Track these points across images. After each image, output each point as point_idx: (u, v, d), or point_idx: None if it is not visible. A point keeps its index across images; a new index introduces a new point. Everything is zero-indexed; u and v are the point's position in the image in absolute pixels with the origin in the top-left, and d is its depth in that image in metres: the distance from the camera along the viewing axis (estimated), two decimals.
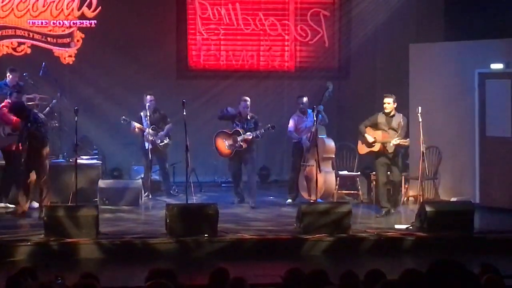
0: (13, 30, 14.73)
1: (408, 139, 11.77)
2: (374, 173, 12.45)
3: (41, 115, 11.78)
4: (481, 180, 12.86)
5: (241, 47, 15.56)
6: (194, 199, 11.76)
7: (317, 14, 15.61)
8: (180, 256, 9.85)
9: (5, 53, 14.70)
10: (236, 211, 12.28)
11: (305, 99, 13.07)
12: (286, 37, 15.64)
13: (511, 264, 8.86)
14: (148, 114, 13.39)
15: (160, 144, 13.44)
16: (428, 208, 10.54)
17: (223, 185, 14.82)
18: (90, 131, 14.29)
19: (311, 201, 11.97)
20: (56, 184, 12.36)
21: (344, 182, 13.53)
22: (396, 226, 10.99)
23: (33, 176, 11.52)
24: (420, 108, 11.49)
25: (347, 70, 15.78)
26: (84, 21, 14.85)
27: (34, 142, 11.43)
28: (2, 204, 12.17)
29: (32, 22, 14.77)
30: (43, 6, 14.77)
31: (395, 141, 11.62)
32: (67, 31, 14.85)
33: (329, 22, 15.66)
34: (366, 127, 11.92)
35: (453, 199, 12.70)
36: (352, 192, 13.41)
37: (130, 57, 14.68)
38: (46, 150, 11.63)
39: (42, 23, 14.80)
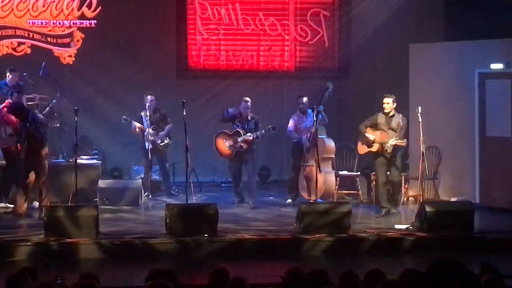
0: (13, 30, 14.73)
1: (405, 139, 11.74)
2: (374, 173, 12.44)
3: (40, 116, 11.78)
4: (481, 180, 12.86)
5: (241, 47, 15.55)
6: (194, 199, 11.76)
7: (317, 14, 15.61)
8: (180, 256, 9.85)
9: (5, 53, 14.70)
10: (236, 211, 12.28)
11: (305, 99, 13.07)
12: (286, 37, 15.64)
13: (511, 264, 8.86)
14: (148, 114, 13.40)
15: (161, 144, 13.45)
16: (428, 208, 10.54)
17: (223, 185, 14.82)
18: (90, 131, 14.29)
19: (311, 201, 11.96)
20: (56, 184, 12.37)
21: (344, 182, 13.53)
22: (396, 226, 10.99)
23: (32, 176, 11.52)
24: (420, 108, 11.49)
25: (347, 70, 15.78)
26: (84, 21, 14.84)
27: (33, 142, 11.42)
28: (2, 204, 12.18)
29: (32, 22, 14.77)
30: (43, 6, 14.77)
31: (392, 141, 11.61)
32: (67, 31, 14.85)
33: (329, 22, 15.65)
34: (366, 127, 11.92)
35: (453, 199, 12.70)
36: (352, 192, 13.41)
37: (130, 57, 14.68)
38: (45, 150, 11.62)
39: (42, 23, 14.80)
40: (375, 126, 11.91)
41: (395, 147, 11.73)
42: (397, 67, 14.42)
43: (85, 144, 13.62)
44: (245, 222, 11.34)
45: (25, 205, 11.58)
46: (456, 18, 14.24)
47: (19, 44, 14.75)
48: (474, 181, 12.94)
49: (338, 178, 13.00)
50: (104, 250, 9.87)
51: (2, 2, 14.65)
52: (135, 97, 14.03)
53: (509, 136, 12.48)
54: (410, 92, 13.43)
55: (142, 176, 13.59)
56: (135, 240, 10.07)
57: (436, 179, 13.12)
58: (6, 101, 12.16)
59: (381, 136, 11.80)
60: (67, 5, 14.80)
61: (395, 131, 11.77)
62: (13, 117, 11.80)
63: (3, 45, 14.70)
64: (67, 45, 14.85)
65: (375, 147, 11.87)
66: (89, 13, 14.83)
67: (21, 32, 14.73)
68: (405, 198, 12.96)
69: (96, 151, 13.87)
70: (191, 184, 11.54)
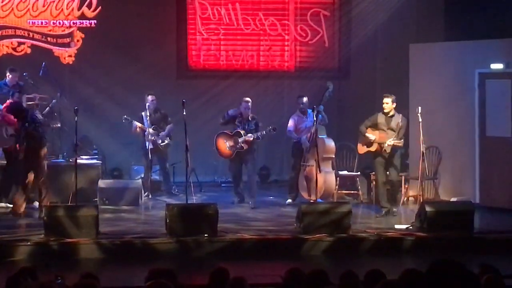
0: (13, 30, 14.73)
1: (402, 140, 11.71)
2: (374, 173, 12.44)
3: (39, 116, 11.77)
4: (481, 180, 12.86)
5: (241, 47, 15.55)
6: (194, 199, 11.76)
7: (317, 14, 15.61)
8: (180, 256, 9.85)
9: (5, 53, 14.70)
10: (236, 211, 12.28)
11: (305, 99, 13.07)
12: (286, 37, 15.64)
13: (511, 264, 8.86)
14: (149, 114, 13.40)
15: (161, 144, 13.45)
16: (428, 208, 10.54)
17: (223, 185, 14.82)
18: (90, 131, 14.29)
19: (311, 201, 11.96)
20: (56, 184, 12.37)
21: (344, 182, 13.53)
22: (396, 226, 10.99)
23: (31, 176, 11.51)
24: (420, 108, 11.49)
25: (347, 70, 15.78)
26: (84, 21, 14.84)
27: (31, 142, 11.41)
28: (2, 204, 12.18)
29: (32, 22, 14.77)
30: (43, 6, 14.76)
31: (390, 141, 11.60)
32: (67, 31, 14.85)
33: (329, 22, 15.65)
34: (367, 128, 11.91)
35: (453, 199, 12.70)
36: (352, 192, 13.41)
37: (130, 57, 14.67)
38: (44, 150, 11.61)
39: (42, 23, 14.80)
40: (375, 126, 11.91)
41: (393, 147, 11.72)
42: (397, 67, 14.42)
43: (85, 144, 13.62)
44: (245, 222, 11.34)
45: (24, 205, 11.57)
46: (456, 18, 14.24)
47: (19, 44, 14.75)
48: (474, 181, 12.94)
49: (338, 178, 13.00)
50: (104, 250, 9.87)
51: (2, 2, 14.65)
52: (135, 97, 14.04)
53: (509, 136, 12.48)
54: (410, 92, 13.43)
55: (142, 176, 13.59)
56: (135, 240, 10.08)
57: (436, 179, 13.12)
58: (8, 101, 12.15)
59: (380, 136, 11.80)
60: (67, 5, 14.80)
61: (394, 131, 11.76)
62: (13, 117, 11.80)
63: (3, 45, 14.70)
64: (67, 45, 14.85)
65: (374, 147, 11.87)
66: (89, 13, 14.83)
67: (21, 32, 14.73)
68: (405, 198, 12.97)
69: (96, 151, 13.87)
70: (191, 184, 11.54)
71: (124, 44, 14.78)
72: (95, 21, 14.81)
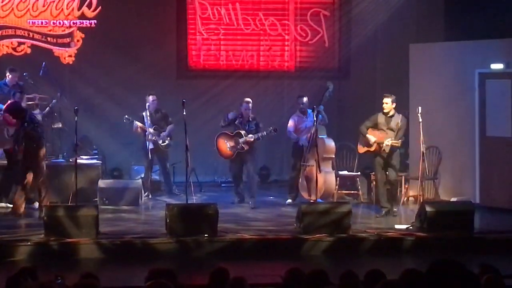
0: (13, 30, 14.73)
1: (400, 140, 11.69)
2: (374, 173, 12.43)
3: (39, 116, 11.75)
4: (481, 180, 12.86)
5: (241, 47, 15.55)
6: (194, 199, 11.76)
7: (317, 14, 15.61)
8: (180, 256, 9.85)
9: (5, 53, 14.70)
10: (236, 211, 12.28)
11: (305, 99, 13.07)
12: (286, 37, 15.64)
13: (511, 264, 8.86)
14: (149, 114, 13.41)
15: (162, 144, 13.45)
16: (428, 208, 10.54)
17: (223, 185, 14.82)
18: (90, 131, 14.29)
19: (311, 201, 11.96)
20: (56, 184, 12.38)
21: (344, 182, 13.53)
22: (396, 226, 10.99)
23: (29, 177, 11.49)
24: (420, 108, 11.50)
25: (347, 70, 15.77)
26: (84, 21, 14.84)
27: (30, 142, 11.39)
28: (3, 204, 12.18)
29: (32, 22, 14.77)
30: (43, 6, 14.76)
31: (388, 141, 11.59)
32: (67, 31, 14.85)
33: (329, 22, 15.65)
34: (367, 128, 11.89)
35: (453, 199, 12.70)
36: (352, 192, 13.42)
37: (130, 57, 14.67)
38: (43, 151, 11.60)
39: (42, 23, 14.80)
40: (375, 126, 11.90)
41: (392, 147, 11.71)
42: (397, 67, 14.42)
43: (85, 144, 13.63)
44: (245, 222, 11.34)
45: (23, 205, 11.57)
46: (456, 18, 14.24)
47: (19, 44, 14.75)
48: (474, 181, 12.93)
49: (338, 178, 13.00)
50: (104, 250, 9.87)
51: (2, 2, 14.65)
52: (135, 97, 14.05)
53: (509, 136, 12.48)
54: (410, 92, 13.43)
55: (142, 176, 13.59)
56: (135, 240, 10.08)
57: (436, 179, 13.12)
58: (9, 101, 12.13)
59: (380, 136, 11.79)
60: (67, 5, 14.80)
61: (393, 131, 11.75)
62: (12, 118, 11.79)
63: (3, 45, 14.70)
64: (67, 45, 14.85)
65: (373, 147, 11.86)
66: (89, 13, 14.83)
67: (21, 32, 14.73)
68: (405, 198, 12.96)
69: (96, 151, 13.87)
70: (191, 184, 11.54)
71: (124, 44, 14.78)
72: (95, 21, 14.81)
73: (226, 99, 14.68)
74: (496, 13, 13.10)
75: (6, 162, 12.19)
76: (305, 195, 12.61)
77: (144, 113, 13.43)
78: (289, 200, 12.94)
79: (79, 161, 11.69)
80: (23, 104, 12.12)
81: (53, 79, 13.50)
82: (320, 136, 12.42)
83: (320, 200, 11.81)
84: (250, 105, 12.91)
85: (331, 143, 12.69)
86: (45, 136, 12.16)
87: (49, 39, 14.81)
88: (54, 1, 14.77)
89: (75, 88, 14.58)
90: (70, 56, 14.85)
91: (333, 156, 12.82)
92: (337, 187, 12.93)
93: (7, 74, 13.06)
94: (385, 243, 10.25)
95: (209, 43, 15.49)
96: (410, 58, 13.69)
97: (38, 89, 13.24)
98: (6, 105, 12.01)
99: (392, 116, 11.83)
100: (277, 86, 15.68)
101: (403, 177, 12.89)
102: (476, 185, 12.91)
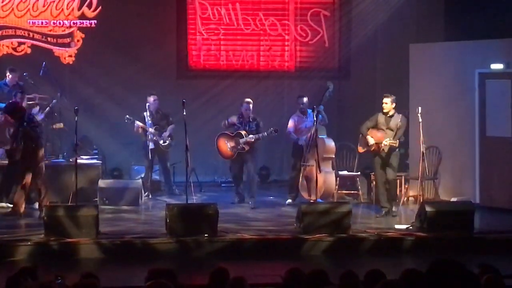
0: (13, 30, 14.73)
1: (397, 140, 11.65)
2: (374, 173, 12.43)
3: (41, 116, 11.74)
4: (481, 180, 12.86)
5: (241, 47, 15.55)
6: (194, 199, 11.76)
7: (317, 14, 15.61)
8: (180, 256, 9.85)
9: (5, 53, 14.70)
10: (236, 211, 12.28)
11: (305, 99, 13.07)
12: (286, 37, 15.64)
13: (511, 264, 8.86)
14: (150, 114, 13.41)
15: (163, 144, 13.45)
16: (428, 208, 10.54)
17: (223, 185, 14.82)
18: (90, 131, 14.29)
19: (311, 201, 11.96)
20: (56, 184, 12.38)
21: (344, 182, 13.53)
22: (396, 226, 10.99)
23: (28, 177, 11.48)
24: (420, 108, 11.49)
25: (347, 70, 15.77)
26: (84, 21, 14.84)
27: (29, 142, 11.38)
28: (3, 204, 12.17)
29: (32, 22, 14.77)
30: (43, 6, 14.76)
31: (386, 141, 11.58)
32: (67, 31, 14.85)
33: (329, 22, 15.65)
34: (368, 129, 11.88)
35: (453, 199, 12.70)
36: (352, 192, 13.42)
37: (130, 57, 14.67)
38: (42, 151, 11.60)
39: (42, 23, 14.80)
40: (376, 126, 11.89)
41: (390, 146, 11.69)
42: (397, 67, 14.42)
43: (85, 144, 13.63)
44: (245, 222, 11.34)
45: (24, 205, 11.56)
46: (456, 18, 14.24)
47: (19, 44, 14.75)
48: (474, 181, 12.94)
49: (338, 178, 13.00)
50: (104, 250, 9.87)
51: (2, 2, 14.65)
52: (135, 97, 14.06)
53: (509, 136, 12.48)
54: (410, 92, 13.43)
55: (143, 175, 13.59)
56: (135, 240, 10.08)
57: (436, 179, 13.12)
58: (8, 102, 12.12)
59: (379, 136, 11.78)
60: (67, 5, 14.80)
61: (393, 131, 11.74)
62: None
63: (3, 45, 14.70)
64: (67, 45, 14.85)
65: (372, 147, 11.84)
66: (89, 13, 14.83)
67: (21, 32, 14.73)
68: (405, 198, 12.96)
69: (96, 151, 13.87)
70: (191, 184, 11.54)
71: (124, 44, 14.78)
72: (95, 21, 14.81)
73: (226, 99, 14.68)
74: (496, 13, 13.10)
75: (7, 162, 12.17)
76: (305, 195, 12.61)
77: (145, 113, 13.42)
78: (289, 200, 12.94)
79: (79, 161, 11.69)
80: (24, 104, 12.11)
81: (53, 79, 13.50)
82: (320, 136, 12.41)
83: (320, 200, 11.81)
84: (251, 105, 12.91)
85: (331, 143, 12.69)
86: (44, 136, 12.15)
87: (49, 39, 14.81)
88: (54, 1, 14.77)
89: (75, 88, 14.58)
90: (70, 56, 14.85)
91: (333, 156, 12.82)
92: (337, 187, 12.94)
93: (7, 74, 13.06)
94: (385, 243, 10.25)
95: (209, 43, 15.49)
96: (410, 58, 13.69)
97: (38, 89, 13.25)
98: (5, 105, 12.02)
99: (392, 116, 11.82)
100: (277, 86, 15.68)
101: (403, 177, 12.89)
102: (476, 185, 12.91)
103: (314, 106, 12.29)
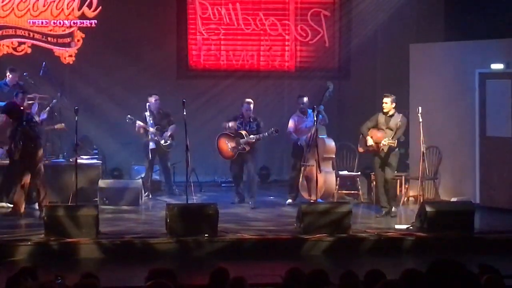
0: (13, 30, 14.73)
1: (395, 140, 11.61)
2: (374, 173, 12.43)
3: (36, 117, 11.71)
4: (481, 180, 12.86)
5: (242, 47, 15.55)
6: (194, 199, 11.76)
7: (318, 14, 15.61)
8: (180, 256, 9.85)
9: (5, 52, 14.70)
10: (236, 211, 12.28)
11: (305, 99, 13.06)
12: (287, 37, 15.64)
13: (511, 264, 8.86)
14: (151, 114, 13.41)
15: (164, 144, 13.45)
16: (428, 208, 10.54)
17: (223, 185, 14.82)
18: (90, 131, 14.29)
19: (311, 201, 11.96)
20: (56, 184, 12.38)
21: (344, 182, 13.53)
22: (396, 226, 10.99)
23: (27, 177, 11.47)
24: (420, 108, 11.49)
25: (347, 70, 15.77)
26: (84, 21, 14.84)
27: (28, 142, 11.37)
28: (3, 204, 12.17)
29: (33, 22, 14.77)
30: (44, 6, 14.77)
31: (385, 141, 11.57)
32: (67, 31, 14.85)
33: (329, 22, 15.65)
34: (368, 129, 11.87)
35: (453, 199, 12.70)
36: (352, 192, 13.41)
37: (130, 57, 14.67)
38: (41, 151, 11.59)
39: (42, 22, 14.80)
40: (376, 126, 11.89)
41: (389, 146, 11.67)
42: (397, 67, 14.42)
43: (85, 144, 13.63)
44: (245, 222, 11.33)
45: (24, 205, 11.56)
46: (456, 18, 14.24)
47: (20, 43, 14.75)
48: (474, 181, 12.93)
49: (338, 178, 13.00)
50: (104, 250, 9.87)
51: (3, 2, 14.65)
52: (135, 97, 14.06)
53: (509, 136, 12.48)
54: (410, 92, 13.43)
55: (143, 175, 13.59)
56: (135, 240, 10.07)
57: (437, 179, 13.12)
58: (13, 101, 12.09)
59: (379, 136, 11.77)
60: (67, 4, 14.80)
61: (392, 130, 11.73)
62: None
63: (3, 44, 14.70)
64: (68, 45, 14.85)
65: (371, 147, 11.83)
66: (89, 13, 14.83)
67: (21, 32, 14.73)
68: (405, 198, 12.96)
69: (96, 151, 13.87)
70: (191, 184, 11.54)
71: (124, 44, 14.78)
72: (96, 21, 14.81)
73: (226, 99, 14.69)
74: (496, 13, 13.10)
75: (7, 162, 12.15)
76: (305, 195, 12.61)
77: (146, 113, 13.41)
78: (289, 200, 12.93)
79: (79, 161, 11.69)
80: (25, 104, 12.09)
81: (53, 79, 13.50)
82: (320, 136, 12.41)
83: (320, 200, 11.81)
84: (251, 105, 12.91)
85: (331, 143, 12.68)
86: (44, 136, 12.14)
87: (49, 39, 14.82)
88: (54, 1, 14.77)
89: (75, 88, 14.58)
90: (70, 56, 14.85)
91: (333, 156, 12.81)
92: (337, 187, 12.93)
93: (7, 74, 13.06)
94: (385, 243, 10.25)
95: (209, 43, 15.49)
96: (410, 58, 13.69)
97: (38, 89, 13.23)
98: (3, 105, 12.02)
99: (392, 115, 11.82)
100: (277, 86, 15.68)
101: (403, 177, 12.90)
102: (476, 185, 12.91)
103: (314, 106, 12.28)
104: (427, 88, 13.27)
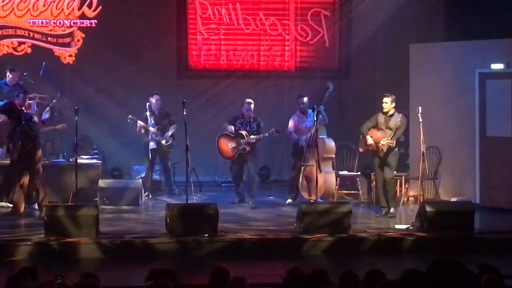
0: (13, 29, 14.73)
1: (393, 140, 11.59)
2: (374, 173, 12.42)
3: (35, 117, 11.70)
4: (481, 180, 12.86)
5: (242, 47, 15.55)
6: (194, 199, 11.76)
7: (318, 14, 15.61)
8: (180, 256, 9.85)
9: (5, 52, 14.70)
10: (236, 211, 12.28)
11: (305, 99, 13.06)
12: (287, 37, 15.64)
13: (511, 264, 8.86)
14: (153, 114, 13.41)
15: (165, 144, 13.45)
16: (428, 208, 10.54)
17: (223, 185, 14.82)
18: (90, 131, 14.29)
19: (311, 201, 11.96)
20: (56, 184, 12.38)
21: (344, 182, 13.53)
22: (396, 226, 11.00)
23: (26, 177, 11.47)
24: (420, 108, 11.49)
25: (347, 70, 15.77)
26: (84, 20, 14.84)
27: (27, 142, 11.36)
28: (3, 203, 12.17)
29: (33, 22, 14.77)
30: (44, 6, 14.76)
31: (383, 141, 11.56)
32: (67, 31, 14.85)
33: (329, 22, 15.65)
34: (368, 129, 11.86)
35: (453, 199, 12.70)
36: (352, 192, 13.41)
37: (130, 57, 14.67)
38: (39, 151, 11.58)
39: (42, 22, 14.80)
40: (376, 126, 11.89)
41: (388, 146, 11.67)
42: (397, 67, 14.42)
43: (85, 144, 13.63)
44: (245, 222, 11.33)
45: (24, 205, 11.55)
46: (456, 18, 14.24)
47: (20, 43, 14.75)
48: (474, 181, 12.94)
49: (338, 178, 13.00)
50: (104, 250, 9.87)
51: (3, 1, 14.65)
52: (135, 97, 14.06)
53: (509, 136, 12.48)
54: (410, 92, 13.44)
55: (143, 175, 13.58)
56: (135, 240, 10.07)
57: (437, 179, 13.12)
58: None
59: (379, 136, 11.76)
60: (67, 4, 14.80)
61: (392, 130, 11.72)
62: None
63: (3, 44, 14.70)
64: (68, 45, 14.85)
65: (371, 147, 11.83)
66: (89, 13, 14.83)
67: (21, 32, 14.73)
68: (405, 198, 12.97)
69: (96, 151, 13.87)
70: (191, 184, 11.54)
71: (124, 44, 14.78)
72: (96, 21, 14.81)
73: (226, 99, 14.69)
74: (496, 13, 13.10)
75: (8, 161, 12.14)
76: (305, 195, 12.61)
77: (147, 113, 13.40)
78: (289, 200, 12.93)
79: (79, 161, 11.69)
80: (26, 104, 12.08)
81: (53, 78, 13.50)
82: (320, 136, 12.41)
83: (320, 200, 11.81)
84: (252, 106, 12.90)
85: (331, 143, 12.68)
86: (44, 136, 12.12)
87: (49, 39, 14.82)
88: (54, 1, 14.77)
89: (75, 88, 14.58)
90: (70, 56, 14.85)
91: (333, 156, 12.81)
92: (337, 187, 12.93)
93: (7, 74, 13.06)
94: (385, 243, 10.25)
95: (209, 43, 15.49)
96: (410, 58, 13.70)
97: (38, 89, 13.24)
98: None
99: (392, 115, 11.81)
100: (277, 86, 15.68)
101: (403, 177, 12.90)
102: (476, 185, 12.91)
103: (314, 106, 12.28)
104: (427, 88, 13.28)
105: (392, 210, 11.78)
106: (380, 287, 4.89)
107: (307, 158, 12.61)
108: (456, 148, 13.09)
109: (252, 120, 12.92)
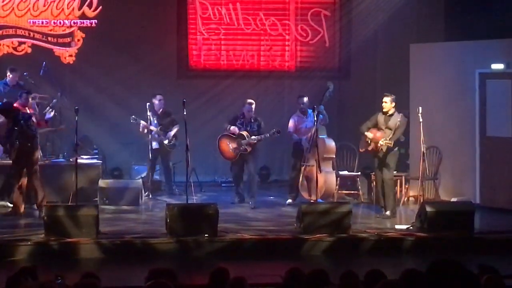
0: (13, 29, 14.73)
1: (392, 141, 11.57)
2: (374, 173, 12.43)
3: (33, 118, 11.69)
4: (481, 180, 12.86)
5: (242, 47, 15.55)
6: (194, 199, 11.76)
7: (318, 14, 15.61)
8: (180, 256, 9.85)
9: (5, 52, 14.70)
10: (236, 211, 12.28)
11: (305, 99, 13.06)
12: (287, 37, 15.64)
13: (511, 264, 8.86)
14: (155, 114, 13.41)
15: (168, 144, 13.45)
16: (428, 208, 10.54)
17: (223, 185, 14.81)
18: (90, 131, 14.28)
19: (312, 201, 11.96)
20: (56, 184, 12.38)
21: (344, 182, 13.53)
22: (396, 226, 11.00)
23: (24, 178, 11.46)
24: (420, 108, 11.49)
25: (347, 70, 15.77)
26: (84, 20, 14.85)
27: (25, 142, 11.35)
28: (3, 203, 12.16)
29: (33, 22, 14.77)
30: (44, 6, 14.77)
31: (382, 141, 11.55)
32: (67, 31, 14.85)
33: (329, 22, 15.65)
34: (368, 129, 11.86)
35: (453, 199, 12.70)
36: (352, 192, 13.41)
37: (130, 57, 14.67)
38: (37, 152, 11.57)
39: (42, 22, 14.80)
40: (376, 126, 11.89)
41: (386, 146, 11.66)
42: (397, 67, 14.42)
43: (85, 144, 13.62)
44: (245, 222, 11.33)
45: (24, 205, 11.55)
46: (456, 18, 14.24)
47: (20, 43, 14.75)
48: (474, 181, 12.94)
49: (338, 178, 13.00)
50: (104, 250, 9.87)
51: (3, 1, 14.66)
52: (136, 97, 14.07)
53: (509, 136, 12.48)
54: (410, 92, 13.43)
55: (143, 175, 13.58)
56: (135, 240, 10.08)
57: (437, 179, 13.12)
58: (17, 102, 12.07)
59: (378, 135, 11.75)
60: (67, 4, 14.80)
61: (392, 130, 11.72)
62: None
63: (3, 44, 14.70)
64: (68, 45, 14.86)
65: (371, 146, 11.83)
66: (89, 13, 14.83)
67: (21, 32, 14.74)
68: (405, 198, 12.97)
69: (96, 151, 13.87)
70: (192, 184, 11.54)
71: (125, 44, 14.78)
72: (96, 20, 14.81)
73: (227, 99, 14.69)
74: (496, 13, 13.10)
75: (9, 161, 12.14)
76: (305, 195, 12.61)
77: (150, 113, 13.39)
78: (289, 200, 12.93)
79: (79, 160, 11.69)
80: (28, 105, 12.09)
81: (53, 78, 13.51)
82: (320, 136, 12.41)
83: (320, 200, 11.81)
84: (253, 106, 12.90)
85: (331, 143, 12.68)
86: (41, 136, 12.11)
87: (49, 38, 14.82)
88: (54, 1, 14.77)
89: (76, 87, 14.58)
90: (70, 55, 14.85)
91: (334, 156, 12.81)
92: (337, 187, 12.93)
93: (8, 73, 13.06)
94: (385, 243, 10.25)
95: (209, 43, 15.49)
96: (410, 58, 13.70)
97: (38, 89, 13.25)
98: (15, 106, 12.00)
99: (392, 115, 11.80)
100: (277, 86, 15.68)
101: (403, 177, 12.90)
102: (476, 185, 12.91)
103: (315, 106, 12.29)
104: (427, 88, 13.28)
105: (387, 212, 11.68)
106: (380, 287, 4.89)
107: (307, 158, 12.61)
108: (456, 148, 13.09)
109: (253, 120, 12.91)
